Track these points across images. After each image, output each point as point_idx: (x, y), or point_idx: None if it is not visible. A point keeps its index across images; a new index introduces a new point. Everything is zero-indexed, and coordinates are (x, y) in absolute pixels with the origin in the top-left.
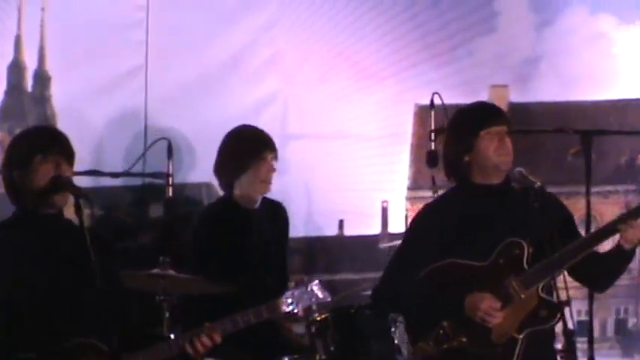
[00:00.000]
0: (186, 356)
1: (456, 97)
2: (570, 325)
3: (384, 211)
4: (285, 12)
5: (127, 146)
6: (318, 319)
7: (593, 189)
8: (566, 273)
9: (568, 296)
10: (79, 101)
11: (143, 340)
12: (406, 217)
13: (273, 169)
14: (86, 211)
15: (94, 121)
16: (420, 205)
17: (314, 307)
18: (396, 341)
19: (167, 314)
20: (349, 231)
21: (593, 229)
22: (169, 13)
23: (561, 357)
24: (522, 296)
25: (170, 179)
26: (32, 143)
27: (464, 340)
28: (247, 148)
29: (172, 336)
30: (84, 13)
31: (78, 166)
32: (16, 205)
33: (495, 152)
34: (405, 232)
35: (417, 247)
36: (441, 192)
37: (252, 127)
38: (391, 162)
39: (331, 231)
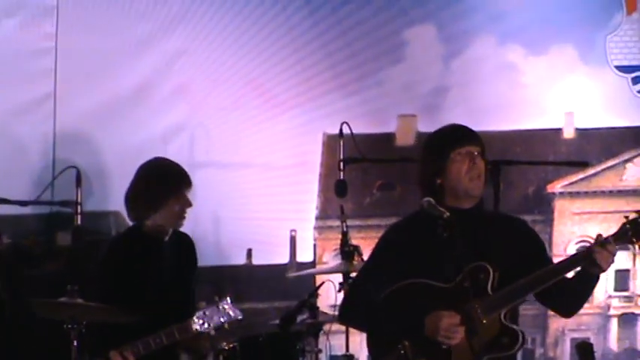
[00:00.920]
0: None
1: (364, 126)
2: None
3: (293, 240)
4: (195, 40)
5: (36, 174)
6: (226, 347)
7: None
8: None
9: None
10: None
11: None
12: (314, 247)
13: (189, 205)
14: None
15: (2, 148)
16: (328, 235)
17: (226, 326)
18: None
19: (75, 342)
20: (257, 260)
21: None
22: (78, 41)
23: None
24: (484, 321)
25: (78, 207)
26: None
27: None
28: (165, 185)
29: None
30: None
31: None
32: None
33: (467, 174)
34: (372, 251)
35: (381, 266)
36: (350, 222)
37: (167, 161)
38: (300, 191)
39: (239, 260)
